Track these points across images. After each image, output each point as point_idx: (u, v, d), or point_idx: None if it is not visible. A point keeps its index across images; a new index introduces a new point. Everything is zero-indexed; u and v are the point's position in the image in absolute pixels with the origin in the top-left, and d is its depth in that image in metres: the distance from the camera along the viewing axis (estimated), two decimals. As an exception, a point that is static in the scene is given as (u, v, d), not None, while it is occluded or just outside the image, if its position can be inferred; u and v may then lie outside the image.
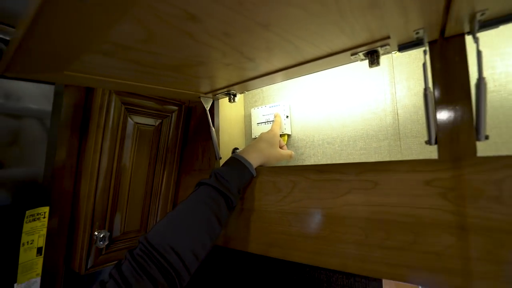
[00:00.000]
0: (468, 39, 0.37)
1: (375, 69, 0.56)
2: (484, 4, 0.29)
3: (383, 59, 0.55)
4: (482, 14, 0.30)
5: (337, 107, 0.60)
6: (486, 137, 0.34)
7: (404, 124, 0.53)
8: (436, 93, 0.37)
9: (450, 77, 0.37)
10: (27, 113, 0.56)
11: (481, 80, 0.32)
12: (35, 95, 0.57)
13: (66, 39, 0.28)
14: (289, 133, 0.66)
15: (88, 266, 0.56)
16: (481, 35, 0.32)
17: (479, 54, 0.32)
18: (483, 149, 0.35)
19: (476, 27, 0.32)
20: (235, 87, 0.56)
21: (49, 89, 0.57)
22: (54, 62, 0.33)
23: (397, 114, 0.54)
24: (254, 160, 0.54)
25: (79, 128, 0.58)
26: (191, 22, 0.28)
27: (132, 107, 0.58)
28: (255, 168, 0.54)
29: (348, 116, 0.59)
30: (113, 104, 0.54)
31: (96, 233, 0.56)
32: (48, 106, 0.57)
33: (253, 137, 0.71)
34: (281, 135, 0.65)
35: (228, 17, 0.28)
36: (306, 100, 0.65)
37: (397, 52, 0.40)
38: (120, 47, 0.31)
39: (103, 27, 0.26)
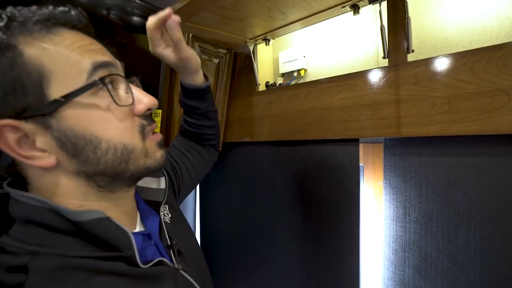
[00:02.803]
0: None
1: (359, 22, 0.83)
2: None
3: (369, 11, 0.82)
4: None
5: (336, 49, 0.89)
6: (412, 51, 0.63)
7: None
8: (388, 28, 0.66)
9: (397, 18, 0.65)
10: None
11: (408, 18, 0.61)
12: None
13: (200, 5, 0.59)
14: (306, 68, 0.96)
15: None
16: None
17: (406, 3, 0.60)
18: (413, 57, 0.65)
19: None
20: (270, 33, 0.85)
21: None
22: (184, 16, 0.65)
23: (378, 48, 0.83)
24: None
25: (171, 64, 0.91)
26: (258, -7, 0.58)
27: (203, 49, 0.90)
28: None
29: (344, 54, 0.88)
30: (194, 46, 0.86)
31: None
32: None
33: (280, 72, 1.01)
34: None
35: (275, -10, 0.58)
36: (317, 46, 0.94)
37: (370, 5, 0.68)
38: (220, 7, 0.62)
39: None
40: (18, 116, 0.29)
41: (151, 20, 0.48)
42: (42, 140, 0.31)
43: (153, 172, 0.39)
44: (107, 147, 0.33)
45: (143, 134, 0.37)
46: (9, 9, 0.29)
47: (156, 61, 0.90)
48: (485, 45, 0.67)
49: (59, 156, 0.32)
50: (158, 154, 0.39)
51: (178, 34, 0.49)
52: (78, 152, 0.32)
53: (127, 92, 0.35)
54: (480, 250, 0.63)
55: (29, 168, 0.32)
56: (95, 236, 0.32)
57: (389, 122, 0.67)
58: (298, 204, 0.92)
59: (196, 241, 0.55)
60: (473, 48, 0.63)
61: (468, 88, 0.57)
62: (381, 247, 0.79)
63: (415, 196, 0.73)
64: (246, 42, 0.90)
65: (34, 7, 0.30)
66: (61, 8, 0.31)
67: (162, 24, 0.49)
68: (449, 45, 0.71)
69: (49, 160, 0.31)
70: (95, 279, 0.31)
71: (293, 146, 0.92)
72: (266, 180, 1.01)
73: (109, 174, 0.34)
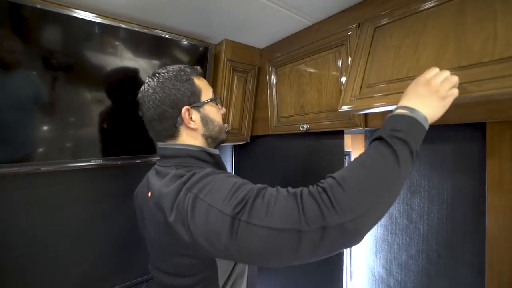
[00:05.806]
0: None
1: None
2: None
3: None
4: None
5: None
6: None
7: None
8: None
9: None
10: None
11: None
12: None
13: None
14: (312, 77, 1.25)
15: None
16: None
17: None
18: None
19: None
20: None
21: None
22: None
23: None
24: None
25: (211, 77, 1.27)
26: None
27: (233, 67, 1.25)
28: None
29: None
30: (227, 65, 1.22)
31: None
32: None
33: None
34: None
35: None
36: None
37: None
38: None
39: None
40: (189, 105, 0.69)
41: None
42: (195, 116, 0.71)
43: (223, 143, 0.80)
44: (216, 124, 0.75)
45: (223, 122, 0.79)
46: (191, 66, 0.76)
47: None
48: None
49: (199, 125, 0.71)
50: (226, 134, 0.81)
51: None
52: (207, 124, 0.72)
53: (221, 104, 0.80)
54: (427, 211, 0.87)
55: (185, 129, 0.70)
56: (218, 164, 0.74)
57: (359, 120, 0.94)
58: (302, 176, 1.22)
59: None
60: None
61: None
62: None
63: (384, 173, 0.98)
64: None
65: (193, 67, 0.76)
66: (198, 67, 0.76)
67: None
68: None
69: (195, 125, 0.70)
70: (216, 175, 0.60)
71: (299, 137, 1.22)
72: (280, 162, 1.33)
73: (213, 137, 0.75)
